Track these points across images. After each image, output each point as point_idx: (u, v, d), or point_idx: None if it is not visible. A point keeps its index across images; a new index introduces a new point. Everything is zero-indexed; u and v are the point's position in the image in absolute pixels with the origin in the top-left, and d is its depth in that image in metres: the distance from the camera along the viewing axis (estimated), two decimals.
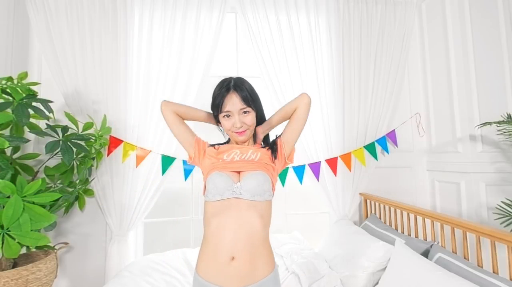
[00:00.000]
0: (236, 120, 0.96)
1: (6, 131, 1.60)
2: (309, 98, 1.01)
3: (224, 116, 0.98)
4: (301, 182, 2.12)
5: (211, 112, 1.04)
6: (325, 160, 2.14)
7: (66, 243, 1.86)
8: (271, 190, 0.97)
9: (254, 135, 1.08)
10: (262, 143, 1.09)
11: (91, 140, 1.70)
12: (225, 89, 0.97)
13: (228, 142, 1.11)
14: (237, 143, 1.04)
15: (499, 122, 1.64)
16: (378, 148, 2.22)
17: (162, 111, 1.04)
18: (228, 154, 1.00)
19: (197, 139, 1.05)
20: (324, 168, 2.14)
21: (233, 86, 0.97)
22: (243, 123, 0.97)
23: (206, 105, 1.11)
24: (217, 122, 1.06)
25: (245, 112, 0.97)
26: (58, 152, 1.52)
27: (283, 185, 2.09)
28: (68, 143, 1.58)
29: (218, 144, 1.09)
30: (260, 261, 0.90)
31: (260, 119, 1.06)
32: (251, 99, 0.98)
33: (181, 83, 2.00)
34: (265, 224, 0.93)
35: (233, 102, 0.96)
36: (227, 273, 0.86)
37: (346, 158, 2.16)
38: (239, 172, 0.97)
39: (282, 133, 1.07)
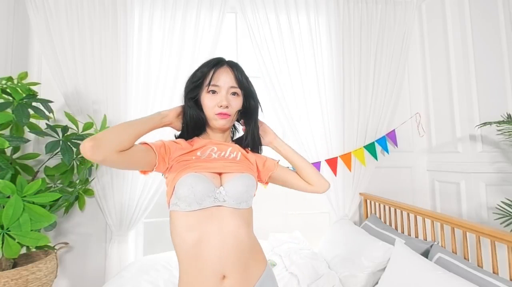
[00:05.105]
0: (222, 97, 0.81)
1: (6, 131, 1.60)
2: (326, 190, 0.95)
3: (210, 91, 0.82)
4: None
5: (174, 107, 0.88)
6: (325, 160, 2.14)
7: (66, 243, 1.86)
8: (253, 195, 0.83)
9: (240, 135, 0.94)
10: (247, 142, 0.91)
11: None
12: (218, 62, 0.83)
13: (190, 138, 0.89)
14: (212, 131, 0.88)
15: (499, 122, 1.64)
16: (378, 148, 2.22)
17: (95, 157, 0.64)
18: (203, 151, 0.82)
19: (157, 147, 0.78)
20: (324, 168, 2.14)
21: (228, 63, 0.86)
22: (229, 104, 0.82)
23: None
24: (183, 114, 0.87)
25: (234, 93, 0.84)
26: (58, 152, 1.52)
27: None
28: (68, 143, 1.58)
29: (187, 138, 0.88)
30: (252, 267, 0.78)
31: (248, 113, 0.89)
32: (245, 82, 0.86)
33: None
34: (250, 231, 0.81)
35: (226, 77, 0.82)
36: None
37: (346, 158, 2.16)
38: (220, 174, 0.80)
39: (279, 167, 0.94)
